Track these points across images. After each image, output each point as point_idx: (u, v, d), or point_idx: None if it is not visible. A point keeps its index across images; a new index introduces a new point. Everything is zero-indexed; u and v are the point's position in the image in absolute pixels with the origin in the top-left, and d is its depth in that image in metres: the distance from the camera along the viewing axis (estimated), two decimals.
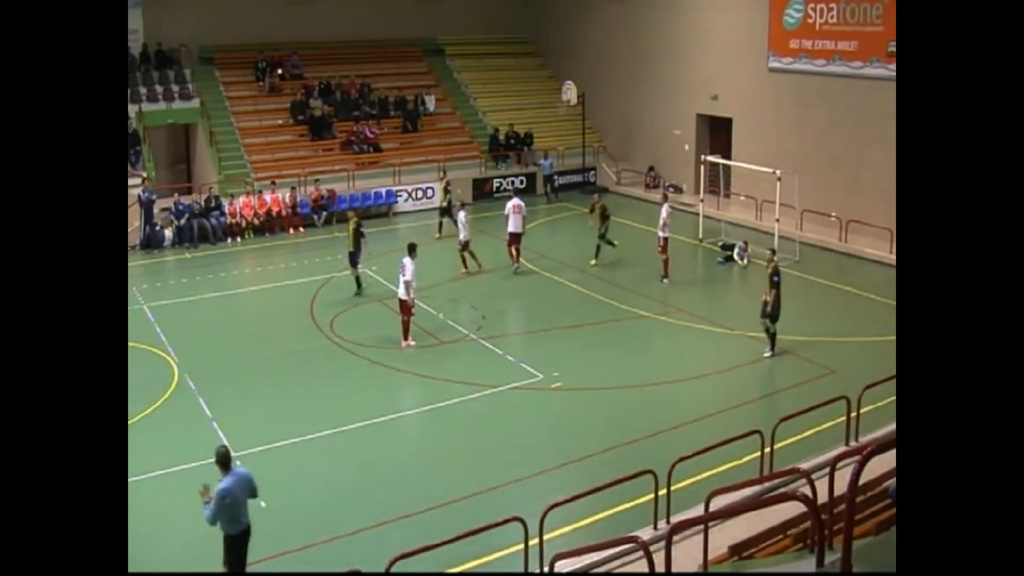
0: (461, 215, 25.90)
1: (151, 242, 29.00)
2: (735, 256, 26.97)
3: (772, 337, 19.51)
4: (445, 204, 29.59)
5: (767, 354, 19.52)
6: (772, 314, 19.26)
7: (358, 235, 23.71)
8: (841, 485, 6.61)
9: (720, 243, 28.03)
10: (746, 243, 27.20)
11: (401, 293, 20.04)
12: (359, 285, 23.94)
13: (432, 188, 33.85)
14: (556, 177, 36.28)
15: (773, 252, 19.83)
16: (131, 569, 11.55)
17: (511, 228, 25.92)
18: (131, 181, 29.84)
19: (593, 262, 26.18)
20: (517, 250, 26.01)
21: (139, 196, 28.67)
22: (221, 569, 11.06)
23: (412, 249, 20.39)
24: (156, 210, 29.19)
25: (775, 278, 19.11)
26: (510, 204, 26.26)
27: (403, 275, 19.86)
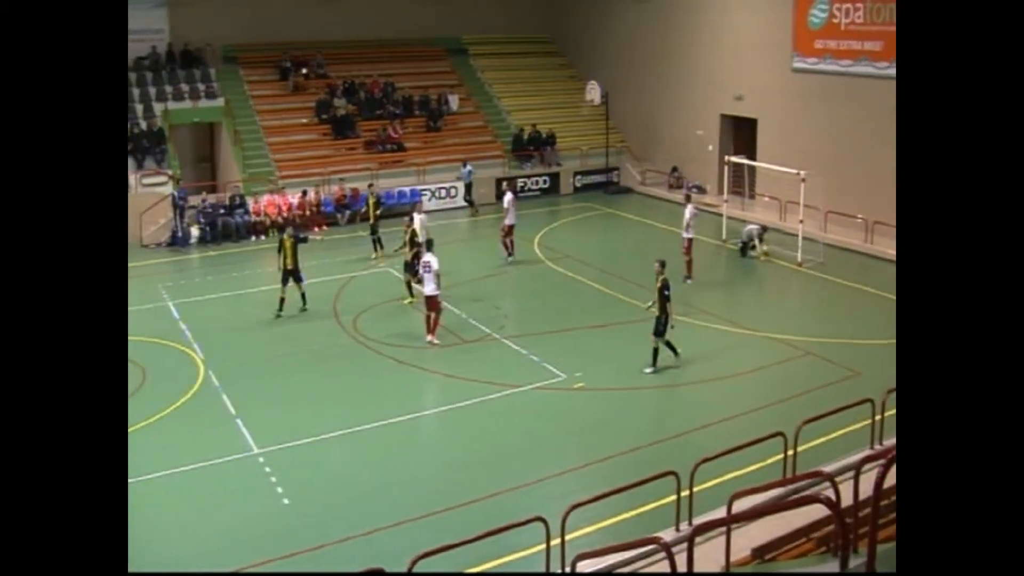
0: (508, 196, 26.93)
1: (176, 240, 29.23)
2: (751, 240, 26.95)
3: (655, 353, 18.70)
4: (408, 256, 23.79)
5: (648, 371, 18.75)
6: (659, 330, 18.59)
7: (296, 251, 22.24)
8: (866, 488, 6.59)
9: (740, 243, 27.95)
10: (764, 228, 27.09)
11: (429, 289, 20.07)
12: (304, 300, 22.68)
13: (455, 187, 34.08)
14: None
15: (662, 265, 18.86)
16: (153, 566, 11.68)
17: (510, 221, 26.79)
18: (156, 179, 30.08)
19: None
20: (512, 241, 26.99)
21: (173, 195, 28.95)
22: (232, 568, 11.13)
23: (430, 244, 20.60)
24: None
25: (665, 292, 18.40)
26: (509, 198, 27.00)
27: (428, 271, 19.94)
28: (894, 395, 14.15)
